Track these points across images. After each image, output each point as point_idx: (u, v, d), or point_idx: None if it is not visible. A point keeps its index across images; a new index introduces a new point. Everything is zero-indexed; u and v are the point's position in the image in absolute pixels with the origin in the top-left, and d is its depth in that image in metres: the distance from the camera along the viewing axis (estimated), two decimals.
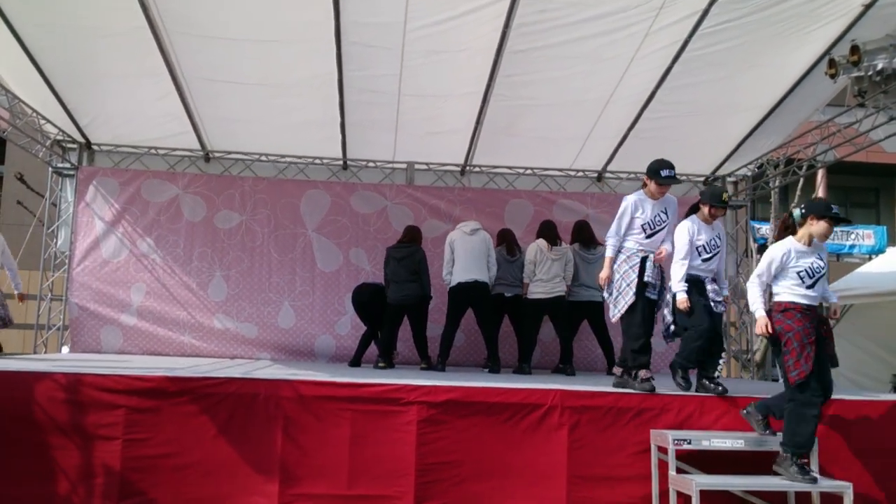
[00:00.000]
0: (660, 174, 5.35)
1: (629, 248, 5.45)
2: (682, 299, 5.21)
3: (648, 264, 5.37)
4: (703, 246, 5.38)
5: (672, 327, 5.49)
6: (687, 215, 5.54)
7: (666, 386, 5.36)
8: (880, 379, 9.15)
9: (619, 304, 5.38)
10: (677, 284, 5.28)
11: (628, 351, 5.39)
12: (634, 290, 5.30)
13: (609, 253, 5.48)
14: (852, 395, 5.64)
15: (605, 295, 5.58)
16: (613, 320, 5.52)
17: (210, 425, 5.01)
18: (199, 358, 7.94)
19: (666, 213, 5.48)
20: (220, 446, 4.99)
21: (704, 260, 5.38)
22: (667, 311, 5.51)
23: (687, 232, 5.37)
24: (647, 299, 5.38)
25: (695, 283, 5.33)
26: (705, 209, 5.44)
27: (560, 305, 7.24)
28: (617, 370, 5.58)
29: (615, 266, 5.47)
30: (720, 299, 5.39)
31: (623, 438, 5.09)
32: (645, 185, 5.51)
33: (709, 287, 5.37)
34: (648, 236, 5.43)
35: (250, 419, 5.05)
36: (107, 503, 4.87)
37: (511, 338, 7.86)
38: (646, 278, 5.33)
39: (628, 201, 5.46)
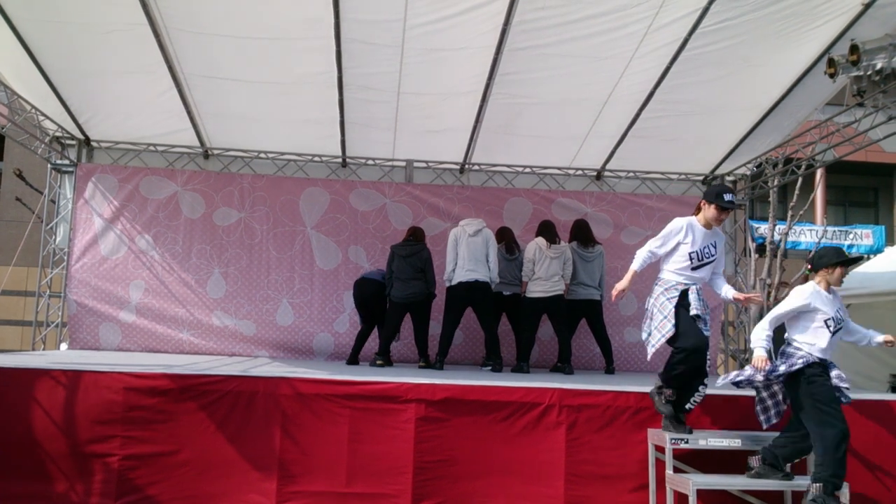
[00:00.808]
0: (723, 197, 4.79)
1: (668, 279, 4.88)
2: (762, 357, 4.58)
3: (693, 296, 4.81)
4: (832, 318, 4.65)
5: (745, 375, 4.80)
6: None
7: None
8: (879, 379, 9.13)
9: (655, 339, 4.79)
10: (761, 341, 4.62)
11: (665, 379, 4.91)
12: (673, 321, 4.73)
13: (635, 266, 4.88)
14: (851, 394, 5.62)
15: (644, 335, 4.92)
16: (649, 358, 4.95)
17: (208, 423, 5.02)
18: (198, 355, 7.94)
19: (715, 247, 4.91)
20: (219, 444, 5.00)
21: (835, 332, 4.65)
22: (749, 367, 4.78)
23: (805, 298, 4.64)
24: None
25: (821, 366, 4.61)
26: (836, 272, 4.69)
27: (558, 304, 7.24)
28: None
29: (651, 298, 4.91)
30: (846, 385, 4.63)
31: (621, 437, 5.10)
32: (698, 210, 4.94)
33: (833, 373, 4.63)
34: (694, 268, 4.84)
35: (248, 417, 5.05)
36: (105, 500, 4.89)
37: (509, 337, 7.86)
38: (692, 311, 4.77)
39: (679, 222, 4.88)
